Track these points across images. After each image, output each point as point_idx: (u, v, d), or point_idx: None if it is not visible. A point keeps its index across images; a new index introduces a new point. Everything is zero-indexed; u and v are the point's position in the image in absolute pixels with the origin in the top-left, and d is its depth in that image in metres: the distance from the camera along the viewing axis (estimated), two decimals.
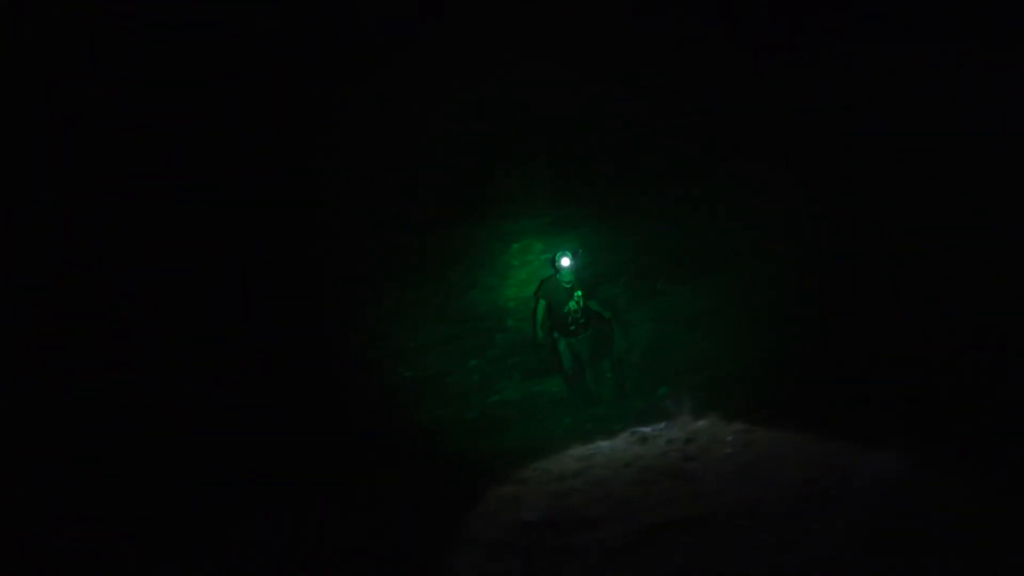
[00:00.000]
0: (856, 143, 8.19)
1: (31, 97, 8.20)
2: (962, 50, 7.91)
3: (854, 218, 8.21)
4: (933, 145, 7.95)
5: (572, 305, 8.76)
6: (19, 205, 7.99)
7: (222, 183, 8.31)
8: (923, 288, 7.77)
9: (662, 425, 7.60)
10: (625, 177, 8.92)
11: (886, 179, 8.16)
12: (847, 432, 6.88)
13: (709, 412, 7.69)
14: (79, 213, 8.11)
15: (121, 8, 8.42)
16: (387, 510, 6.60)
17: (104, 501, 6.63)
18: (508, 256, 9.05)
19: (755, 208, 8.51)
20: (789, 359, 7.85)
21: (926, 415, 6.76)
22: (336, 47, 8.73)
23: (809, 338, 7.95)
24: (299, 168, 8.47)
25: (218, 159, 8.36)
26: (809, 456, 6.77)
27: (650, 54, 8.77)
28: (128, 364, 7.71)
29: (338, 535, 6.31)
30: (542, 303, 8.85)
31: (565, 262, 8.62)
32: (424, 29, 8.74)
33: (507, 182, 8.96)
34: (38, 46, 8.22)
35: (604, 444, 7.58)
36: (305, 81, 8.66)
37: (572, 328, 8.85)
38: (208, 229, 8.22)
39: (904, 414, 6.84)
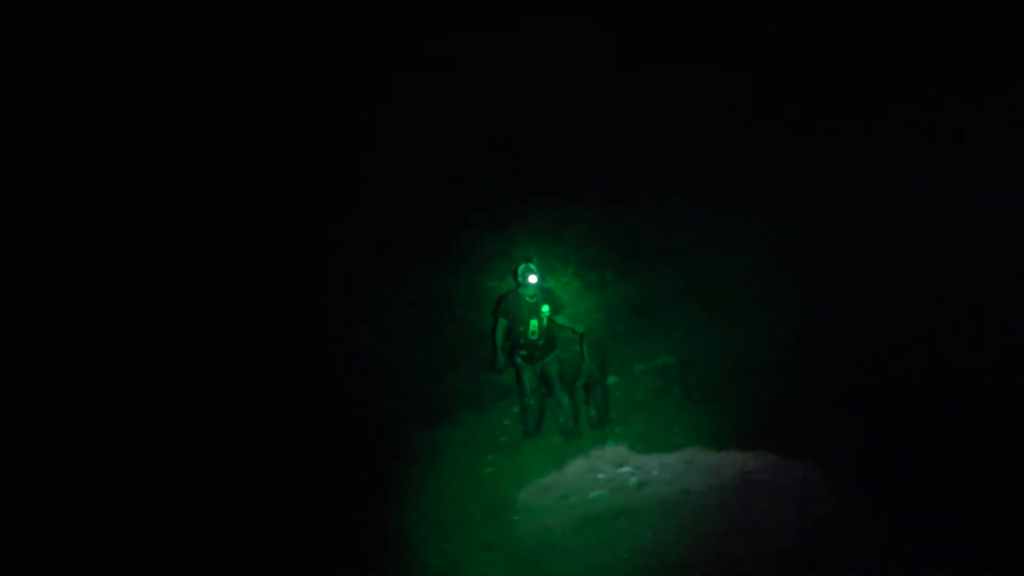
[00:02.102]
0: (815, 142, 8.44)
1: (33, 97, 8.22)
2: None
3: (810, 213, 8.36)
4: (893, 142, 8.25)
5: (535, 324, 7.53)
6: (21, 205, 7.92)
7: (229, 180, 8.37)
8: (872, 283, 7.91)
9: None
10: (578, 165, 8.89)
11: (842, 171, 8.37)
12: (792, 424, 6.99)
13: (656, 401, 7.77)
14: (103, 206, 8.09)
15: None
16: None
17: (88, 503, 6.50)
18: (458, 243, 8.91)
19: (705, 200, 8.60)
20: (737, 349, 7.96)
21: (876, 408, 6.93)
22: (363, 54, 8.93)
23: (756, 329, 8.05)
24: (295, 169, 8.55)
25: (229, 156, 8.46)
26: (755, 447, 6.88)
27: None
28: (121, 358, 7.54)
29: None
30: (502, 322, 7.59)
31: (532, 279, 7.42)
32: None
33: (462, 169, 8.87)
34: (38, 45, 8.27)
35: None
36: (323, 86, 8.82)
37: (540, 346, 7.60)
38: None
39: (854, 407, 7.00)
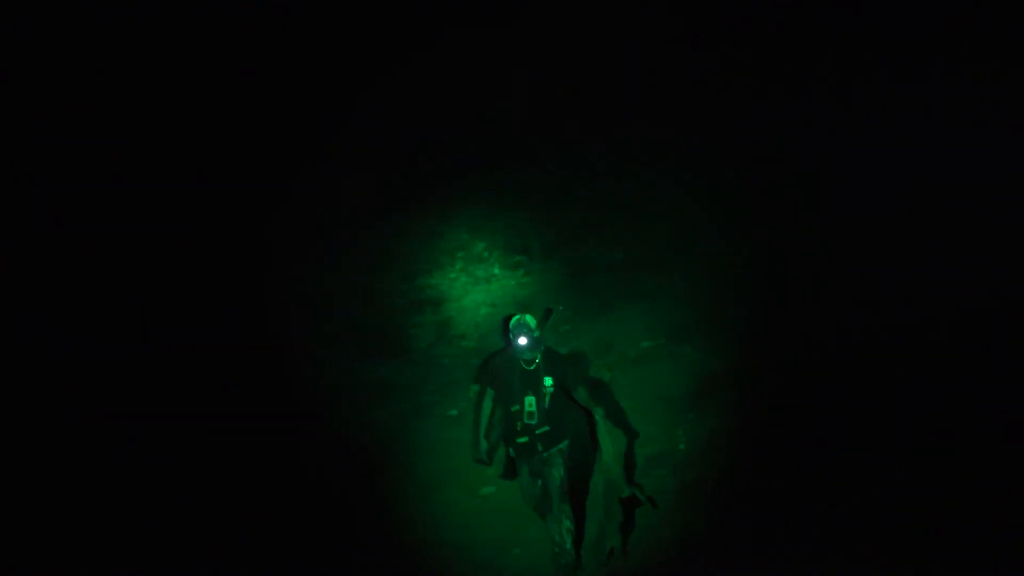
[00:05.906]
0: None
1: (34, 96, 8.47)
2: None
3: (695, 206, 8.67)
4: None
5: (531, 402, 5.35)
6: (21, 205, 8.18)
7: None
8: (755, 273, 8.17)
9: None
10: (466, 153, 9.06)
11: (729, 161, 8.67)
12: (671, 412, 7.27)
13: None
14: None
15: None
16: None
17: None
18: None
19: (589, 194, 8.96)
20: (618, 341, 8.24)
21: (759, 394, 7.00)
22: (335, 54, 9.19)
23: (636, 320, 8.36)
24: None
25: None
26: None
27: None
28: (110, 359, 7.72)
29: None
30: (489, 393, 5.49)
31: (522, 341, 5.27)
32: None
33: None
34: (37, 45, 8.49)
35: None
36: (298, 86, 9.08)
37: (542, 436, 5.40)
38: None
39: (738, 393, 7.12)
